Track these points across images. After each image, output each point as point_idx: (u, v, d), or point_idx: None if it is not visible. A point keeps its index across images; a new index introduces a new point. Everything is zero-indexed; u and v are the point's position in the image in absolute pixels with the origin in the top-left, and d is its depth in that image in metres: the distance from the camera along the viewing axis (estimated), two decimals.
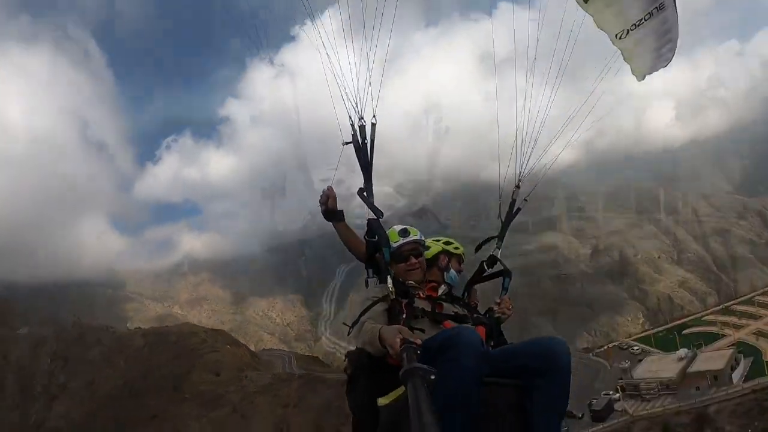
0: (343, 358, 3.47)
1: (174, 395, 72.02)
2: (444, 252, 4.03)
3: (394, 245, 3.64)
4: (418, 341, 2.67)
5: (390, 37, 3.83)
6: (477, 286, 4.15)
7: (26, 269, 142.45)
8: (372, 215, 3.68)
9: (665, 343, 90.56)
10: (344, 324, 3.66)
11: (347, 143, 3.90)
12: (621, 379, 72.60)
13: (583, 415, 62.06)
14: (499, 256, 4.18)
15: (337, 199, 3.86)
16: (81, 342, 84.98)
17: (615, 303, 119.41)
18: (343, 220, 3.89)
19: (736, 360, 67.77)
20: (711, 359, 68.02)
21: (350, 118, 3.89)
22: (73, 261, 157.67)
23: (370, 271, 3.75)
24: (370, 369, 3.16)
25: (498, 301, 3.87)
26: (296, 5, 3.71)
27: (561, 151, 4.53)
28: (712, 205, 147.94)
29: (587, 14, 4.25)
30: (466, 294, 4.01)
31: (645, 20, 4.18)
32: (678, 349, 76.01)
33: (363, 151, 3.89)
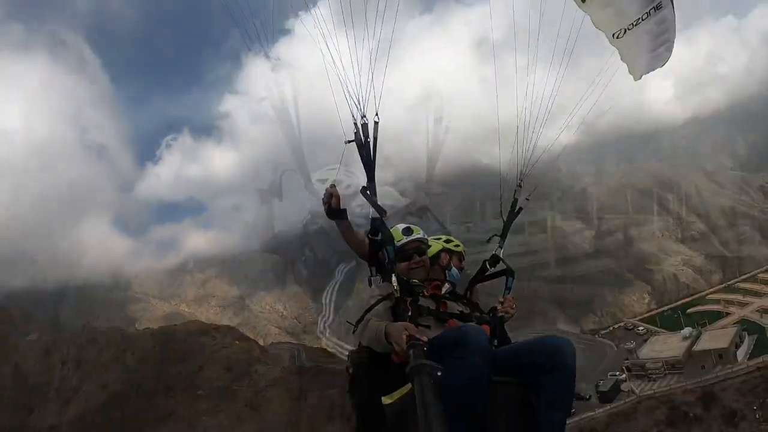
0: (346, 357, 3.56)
1: (186, 393, 72.96)
2: (445, 250, 4.07)
3: (398, 244, 3.66)
4: (425, 338, 2.70)
5: (393, 29, 3.82)
6: (478, 285, 4.16)
7: (30, 276, 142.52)
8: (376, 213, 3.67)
9: (670, 322, 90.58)
10: (348, 322, 3.64)
11: (350, 141, 3.92)
12: (627, 359, 73.25)
13: (590, 396, 62.80)
14: (501, 256, 4.20)
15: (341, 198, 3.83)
16: (92, 345, 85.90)
17: (620, 283, 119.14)
18: (347, 218, 3.86)
19: (740, 338, 67.68)
20: (716, 338, 68.11)
21: (353, 116, 3.88)
22: (77, 265, 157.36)
23: (374, 269, 3.73)
24: (372, 368, 3.18)
25: (501, 300, 3.88)
26: None
27: (560, 133, 4.56)
28: (714, 182, 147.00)
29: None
30: (468, 292, 4.01)
31: (642, 20, 4.18)
32: (683, 329, 76.37)
33: (366, 149, 3.89)
